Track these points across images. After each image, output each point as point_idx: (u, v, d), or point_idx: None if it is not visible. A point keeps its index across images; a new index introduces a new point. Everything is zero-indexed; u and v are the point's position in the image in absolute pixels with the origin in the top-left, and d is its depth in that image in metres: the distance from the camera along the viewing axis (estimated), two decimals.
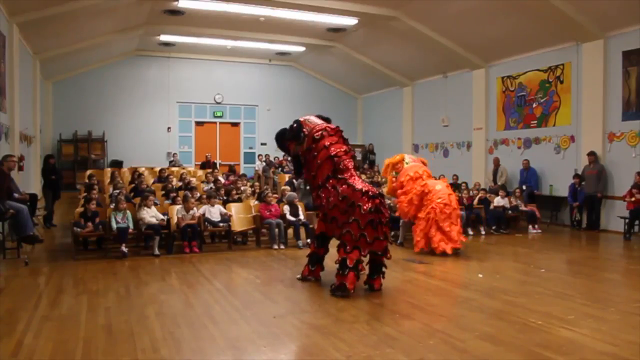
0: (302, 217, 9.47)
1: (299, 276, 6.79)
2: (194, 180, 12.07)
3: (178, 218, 8.73)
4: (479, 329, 4.70)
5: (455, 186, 12.93)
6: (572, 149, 11.97)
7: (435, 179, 9.50)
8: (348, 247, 5.93)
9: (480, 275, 7.10)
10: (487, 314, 5.23)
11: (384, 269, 6.18)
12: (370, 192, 5.98)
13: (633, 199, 9.84)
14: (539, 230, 11.02)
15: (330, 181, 6.27)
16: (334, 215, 6.16)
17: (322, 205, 6.37)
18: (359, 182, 6.20)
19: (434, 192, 8.54)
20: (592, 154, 11.04)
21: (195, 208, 8.94)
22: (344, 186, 6.13)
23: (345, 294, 5.78)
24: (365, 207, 5.86)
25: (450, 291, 6.33)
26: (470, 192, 11.63)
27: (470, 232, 10.49)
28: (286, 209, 9.43)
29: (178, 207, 8.97)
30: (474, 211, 10.78)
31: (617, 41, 10.80)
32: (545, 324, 4.81)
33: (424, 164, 9.40)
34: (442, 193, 8.52)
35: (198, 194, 9.71)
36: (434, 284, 6.57)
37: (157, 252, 8.35)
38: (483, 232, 10.76)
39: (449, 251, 8.27)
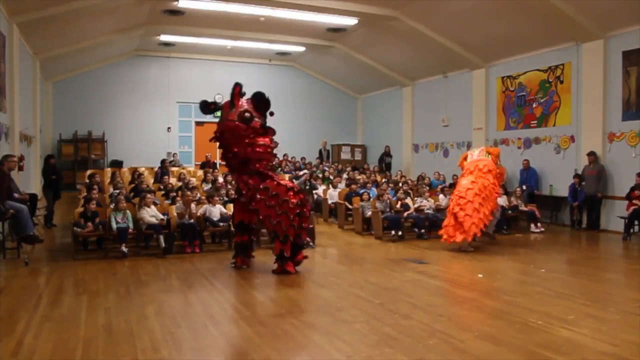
0: None
1: (232, 264, 7.57)
2: (193, 180, 12.08)
3: (177, 213, 8.76)
4: (479, 329, 4.70)
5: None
6: (572, 149, 11.97)
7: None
8: (281, 238, 6.94)
9: (480, 275, 7.10)
10: (487, 314, 5.24)
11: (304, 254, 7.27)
12: (295, 189, 7.16)
13: None
14: (542, 229, 11.03)
15: (253, 175, 7.16)
16: (257, 207, 7.05)
17: (243, 194, 7.27)
18: (282, 180, 7.36)
19: (458, 185, 9.11)
20: (592, 154, 11.04)
21: (193, 205, 8.99)
22: (268, 181, 7.12)
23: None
24: (293, 201, 6.95)
25: (450, 291, 6.33)
26: None
27: None
28: None
29: (177, 204, 9.01)
30: None
31: (617, 41, 10.80)
32: (545, 324, 4.81)
33: (493, 153, 9.59)
34: (462, 187, 8.98)
35: (198, 194, 9.72)
36: (434, 284, 6.57)
37: (163, 244, 8.37)
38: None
39: (458, 240, 8.59)
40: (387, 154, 17.96)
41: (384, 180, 14.08)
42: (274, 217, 6.97)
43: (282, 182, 7.24)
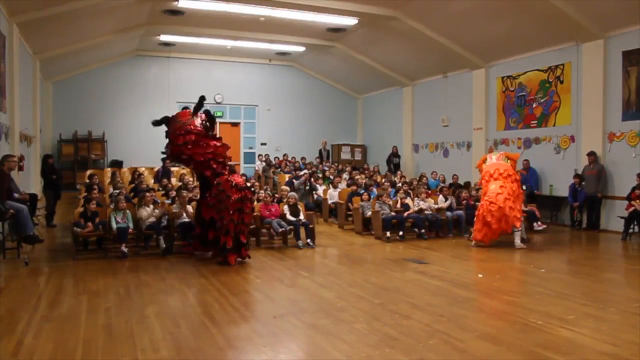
0: (302, 217, 9.48)
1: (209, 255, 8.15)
2: (192, 180, 12.07)
3: (174, 212, 8.76)
4: (479, 329, 4.70)
5: (456, 186, 12.93)
6: (572, 149, 11.97)
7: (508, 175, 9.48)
8: (224, 231, 7.40)
9: (480, 275, 7.11)
10: (487, 314, 5.24)
11: (246, 245, 7.75)
12: (239, 185, 7.45)
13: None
14: (544, 225, 11.06)
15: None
16: (211, 202, 7.59)
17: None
18: (234, 176, 7.75)
19: (488, 191, 9.27)
20: (592, 154, 11.04)
21: (190, 206, 8.98)
22: (221, 176, 7.60)
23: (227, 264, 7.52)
24: (233, 197, 7.30)
25: (450, 291, 6.32)
26: (472, 191, 11.62)
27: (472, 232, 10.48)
28: (286, 208, 9.44)
29: (175, 204, 9.02)
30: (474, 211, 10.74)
31: (617, 41, 10.80)
32: (545, 324, 4.81)
33: (512, 159, 9.74)
34: (492, 192, 9.14)
35: (198, 195, 9.71)
36: (434, 284, 6.57)
37: (163, 245, 8.39)
38: None
39: (486, 241, 9.16)
40: (394, 154, 17.66)
41: (383, 180, 14.07)
42: (218, 210, 7.46)
43: (230, 177, 7.63)
